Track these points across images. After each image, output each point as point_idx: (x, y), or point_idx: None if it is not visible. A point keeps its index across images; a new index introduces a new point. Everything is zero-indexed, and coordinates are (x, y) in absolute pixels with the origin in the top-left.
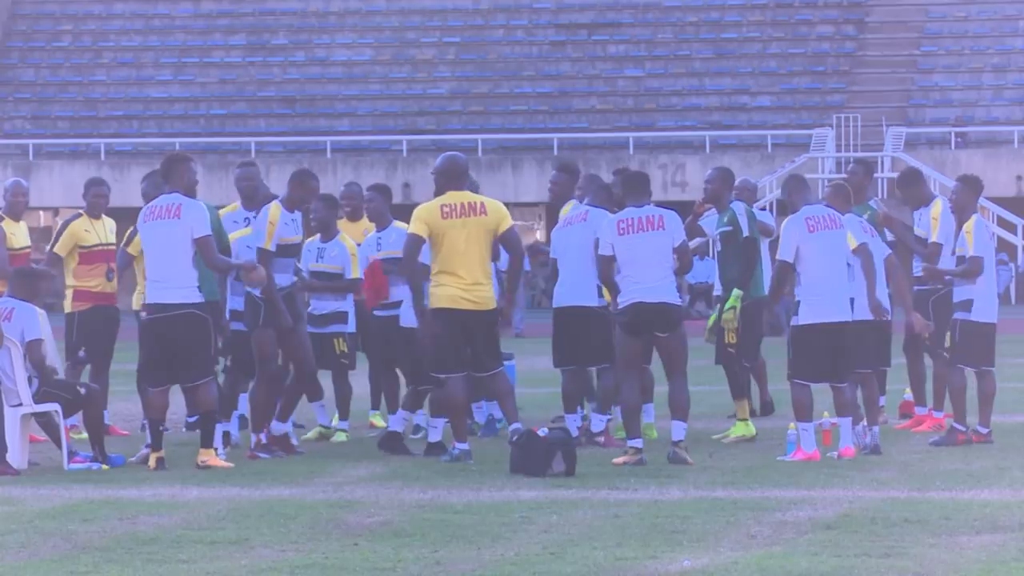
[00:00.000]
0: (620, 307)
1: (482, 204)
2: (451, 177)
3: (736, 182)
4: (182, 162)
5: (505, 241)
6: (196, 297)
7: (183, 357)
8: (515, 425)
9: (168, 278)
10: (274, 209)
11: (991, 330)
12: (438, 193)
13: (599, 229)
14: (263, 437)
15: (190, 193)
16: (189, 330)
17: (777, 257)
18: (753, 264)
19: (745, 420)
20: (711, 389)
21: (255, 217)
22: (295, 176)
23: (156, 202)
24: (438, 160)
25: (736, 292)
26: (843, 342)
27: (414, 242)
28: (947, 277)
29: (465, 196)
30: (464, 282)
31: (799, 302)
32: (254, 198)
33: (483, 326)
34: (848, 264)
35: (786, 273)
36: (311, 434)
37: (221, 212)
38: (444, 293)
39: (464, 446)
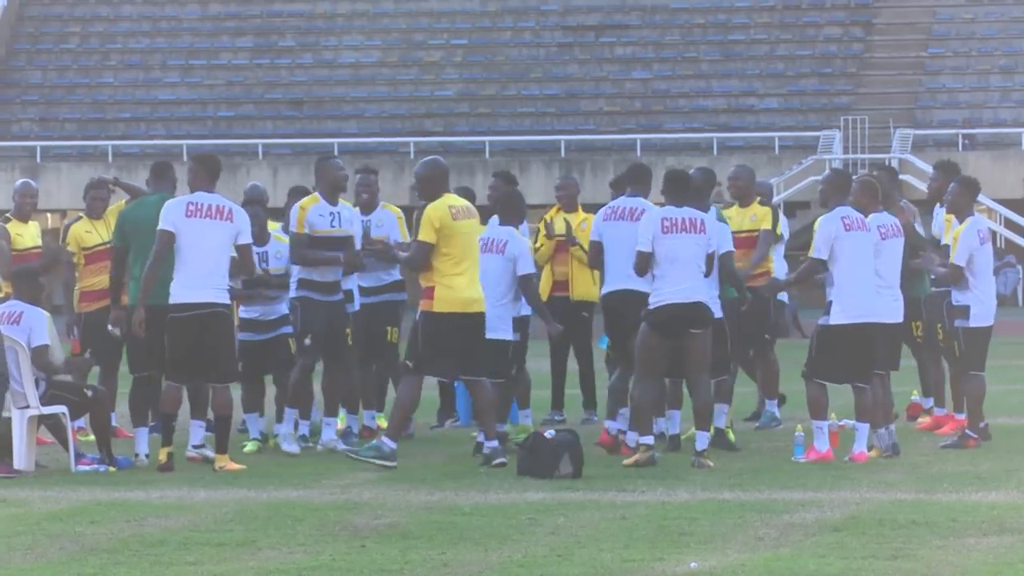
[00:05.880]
0: (652, 308)
1: (473, 208)
2: (439, 182)
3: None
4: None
5: None
6: (226, 298)
7: (214, 356)
8: (491, 443)
9: (205, 276)
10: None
11: (986, 334)
12: (427, 197)
13: (640, 223)
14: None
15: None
16: (221, 328)
17: (811, 254)
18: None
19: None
20: None
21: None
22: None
23: (202, 199)
24: (419, 166)
25: None
26: (870, 343)
27: (426, 250)
28: (932, 276)
29: (462, 200)
30: (469, 284)
31: (831, 302)
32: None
33: (477, 327)
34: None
35: (817, 269)
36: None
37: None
38: (452, 296)
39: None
